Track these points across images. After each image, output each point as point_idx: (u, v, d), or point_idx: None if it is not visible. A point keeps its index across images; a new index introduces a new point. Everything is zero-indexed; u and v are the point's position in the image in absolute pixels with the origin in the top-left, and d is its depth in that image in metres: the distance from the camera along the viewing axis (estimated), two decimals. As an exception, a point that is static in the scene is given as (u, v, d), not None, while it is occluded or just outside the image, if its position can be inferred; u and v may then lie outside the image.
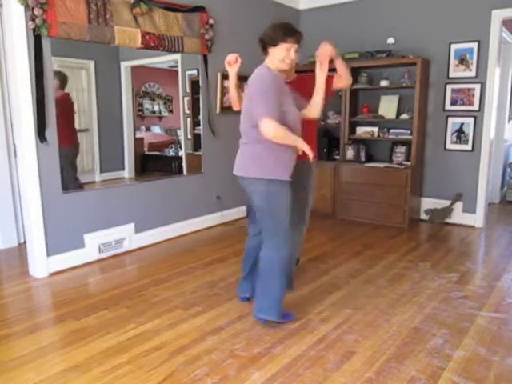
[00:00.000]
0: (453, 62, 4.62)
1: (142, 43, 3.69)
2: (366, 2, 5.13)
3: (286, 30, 2.34)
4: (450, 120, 4.74)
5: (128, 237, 3.89)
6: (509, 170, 6.11)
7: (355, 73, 5.02)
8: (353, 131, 5.17)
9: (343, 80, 2.79)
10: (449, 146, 4.79)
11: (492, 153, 4.88)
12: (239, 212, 5.03)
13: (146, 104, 4.61)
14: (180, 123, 4.65)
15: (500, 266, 3.53)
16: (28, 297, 2.98)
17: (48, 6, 3.05)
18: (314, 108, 2.51)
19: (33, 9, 2.96)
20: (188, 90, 4.52)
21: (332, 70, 2.62)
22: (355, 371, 2.10)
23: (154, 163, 4.67)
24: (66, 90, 3.61)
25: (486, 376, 2.06)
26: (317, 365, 2.15)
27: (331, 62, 2.54)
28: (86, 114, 3.84)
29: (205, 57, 4.37)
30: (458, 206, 4.79)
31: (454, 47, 4.60)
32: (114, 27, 3.47)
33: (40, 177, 3.21)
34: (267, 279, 2.46)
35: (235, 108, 2.78)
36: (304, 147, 2.35)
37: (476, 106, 4.56)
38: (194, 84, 4.47)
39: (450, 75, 4.66)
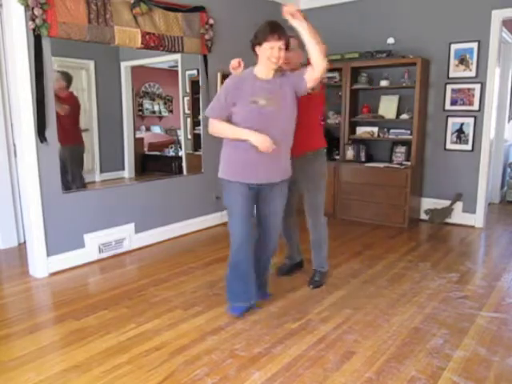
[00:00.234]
0: (453, 61, 4.62)
1: (142, 43, 3.70)
2: (366, 2, 5.12)
3: (267, 28, 2.34)
4: (450, 120, 4.74)
5: (128, 237, 3.89)
6: (509, 170, 6.11)
7: (355, 73, 5.04)
8: (353, 131, 5.17)
9: (314, 62, 2.32)
10: (449, 145, 4.79)
11: (492, 153, 4.87)
12: (239, 212, 5.02)
13: (146, 104, 4.60)
14: (180, 123, 4.65)
15: (500, 266, 3.52)
16: (28, 297, 2.98)
17: (48, 5, 3.05)
18: (314, 60, 2.32)
19: (33, 9, 2.97)
20: (188, 90, 4.52)
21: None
22: (355, 371, 2.10)
23: (153, 163, 4.67)
24: (70, 90, 3.64)
25: (486, 376, 2.06)
26: (317, 365, 2.15)
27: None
28: (86, 114, 3.84)
29: (205, 57, 4.37)
30: (458, 205, 4.79)
31: (454, 47, 4.60)
32: (113, 27, 3.47)
33: (40, 177, 3.21)
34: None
35: None
36: (250, 139, 2.34)
37: (476, 106, 4.56)
38: (194, 84, 4.47)
39: (450, 75, 4.66)
